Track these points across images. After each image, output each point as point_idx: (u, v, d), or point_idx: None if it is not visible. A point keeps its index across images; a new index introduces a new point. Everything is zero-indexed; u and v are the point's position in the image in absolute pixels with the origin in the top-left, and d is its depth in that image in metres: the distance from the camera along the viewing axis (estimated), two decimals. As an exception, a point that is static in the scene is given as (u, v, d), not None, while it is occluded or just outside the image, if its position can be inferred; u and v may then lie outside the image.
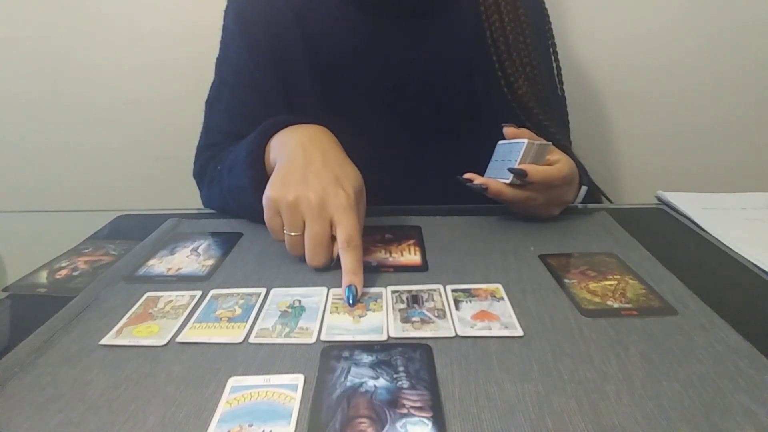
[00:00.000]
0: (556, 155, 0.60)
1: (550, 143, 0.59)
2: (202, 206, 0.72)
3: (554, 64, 0.74)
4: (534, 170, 0.56)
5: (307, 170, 0.50)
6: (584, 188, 0.65)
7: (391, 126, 0.71)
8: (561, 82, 0.75)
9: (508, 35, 0.67)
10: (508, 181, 0.57)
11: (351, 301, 0.44)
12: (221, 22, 0.72)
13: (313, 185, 0.48)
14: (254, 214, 0.56)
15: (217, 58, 0.73)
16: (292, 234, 0.49)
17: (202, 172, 0.70)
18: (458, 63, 0.70)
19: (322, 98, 0.68)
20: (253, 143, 0.56)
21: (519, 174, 0.56)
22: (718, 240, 0.57)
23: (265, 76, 0.68)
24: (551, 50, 0.73)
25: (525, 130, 0.60)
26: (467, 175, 0.58)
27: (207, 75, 0.73)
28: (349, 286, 0.45)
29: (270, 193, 0.49)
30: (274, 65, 0.68)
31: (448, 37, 0.69)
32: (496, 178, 0.58)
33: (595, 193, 0.73)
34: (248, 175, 0.55)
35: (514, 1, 0.67)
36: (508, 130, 0.60)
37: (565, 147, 0.66)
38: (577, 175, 0.62)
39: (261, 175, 0.54)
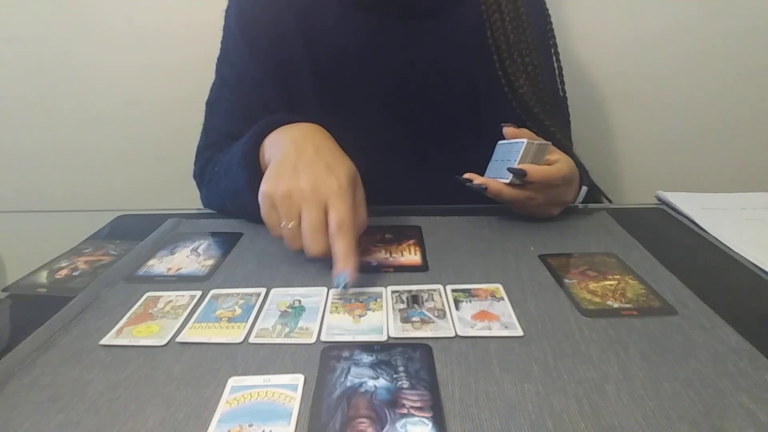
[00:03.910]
0: (556, 155, 0.60)
1: (550, 143, 0.59)
2: (202, 206, 0.72)
3: (555, 65, 0.74)
4: (533, 170, 0.56)
5: (298, 161, 0.49)
6: (584, 188, 0.65)
7: (392, 126, 0.71)
8: (562, 83, 0.75)
9: (509, 35, 0.67)
10: (507, 181, 0.57)
11: (342, 287, 0.44)
12: (222, 22, 0.72)
13: (305, 174, 0.48)
14: (251, 215, 0.56)
15: (218, 59, 0.73)
16: (289, 225, 0.48)
17: (202, 173, 0.70)
18: (460, 63, 0.70)
19: (323, 99, 0.68)
20: (248, 144, 0.56)
21: (518, 174, 0.56)
22: (718, 240, 0.57)
23: (266, 77, 0.68)
24: (552, 50, 0.73)
25: (524, 130, 0.60)
26: (467, 175, 0.58)
27: (207, 75, 0.73)
28: (341, 273, 0.44)
29: (264, 188, 0.49)
30: (275, 66, 0.68)
31: (449, 38, 0.69)
32: (496, 177, 0.58)
33: (595, 194, 0.73)
34: (244, 176, 0.55)
35: (516, 0, 0.67)
36: (507, 129, 0.60)
37: (566, 147, 0.66)
38: (577, 175, 0.62)
39: (256, 175, 0.54)
